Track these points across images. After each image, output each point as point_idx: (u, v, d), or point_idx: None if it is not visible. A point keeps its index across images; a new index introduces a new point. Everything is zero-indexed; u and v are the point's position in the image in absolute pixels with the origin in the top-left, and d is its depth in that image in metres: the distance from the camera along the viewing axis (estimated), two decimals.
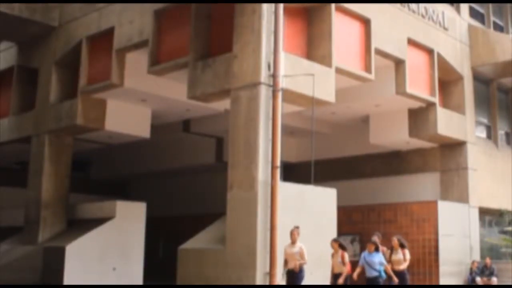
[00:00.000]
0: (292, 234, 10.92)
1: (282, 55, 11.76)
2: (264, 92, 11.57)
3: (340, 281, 11.08)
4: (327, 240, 12.35)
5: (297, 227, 10.99)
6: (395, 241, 12.34)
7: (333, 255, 11.39)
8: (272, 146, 11.44)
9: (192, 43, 12.82)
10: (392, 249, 12.33)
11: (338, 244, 11.37)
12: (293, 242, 10.91)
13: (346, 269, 11.15)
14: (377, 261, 11.31)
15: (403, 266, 12.20)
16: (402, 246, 12.29)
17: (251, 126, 11.57)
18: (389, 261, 12.02)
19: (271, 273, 10.99)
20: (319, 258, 12.04)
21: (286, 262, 10.95)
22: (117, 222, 15.00)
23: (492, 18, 20.09)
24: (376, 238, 12.48)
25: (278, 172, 11.38)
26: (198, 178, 20.86)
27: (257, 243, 11.00)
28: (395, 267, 12.00)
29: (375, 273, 11.27)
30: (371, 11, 14.07)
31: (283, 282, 11.07)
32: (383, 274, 11.32)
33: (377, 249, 11.51)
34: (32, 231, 15.70)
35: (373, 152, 17.84)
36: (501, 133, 19.61)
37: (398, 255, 12.23)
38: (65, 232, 15.67)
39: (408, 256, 12.26)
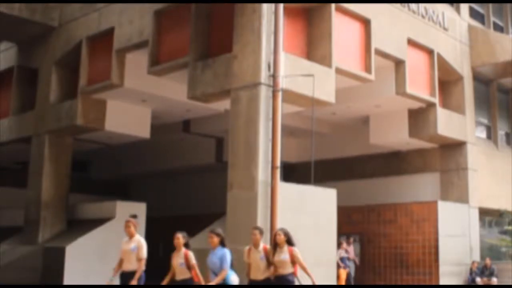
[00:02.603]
0: (126, 226, 8.86)
1: (282, 55, 11.76)
2: (264, 93, 11.57)
3: None
4: (327, 240, 12.38)
5: (133, 216, 9.07)
6: (280, 235, 8.96)
7: (173, 255, 8.75)
8: (272, 146, 11.44)
9: (192, 43, 12.82)
10: (275, 247, 8.97)
11: (185, 241, 8.74)
12: (130, 236, 8.82)
13: (193, 275, 8.59)
14: (218, 260, 8.41)
15: (289, 270, 8.85)
16: (289, 242, 8.99)
17: (251, 126, 11.57)
18: (271, 262, 8.91)
19: None
20: (319, 258, 12.04)
21: (121, 262, 8.83)
22: (117, 222, 14.96)
23: (492, 18, 20.10)
24: (257, 232, 9.12)
25: (278, 172, 11.37)
26: (198, 178, 20.87)
27: None
28: (279, 271, 8.83)
29: (215, 277, 8.49)
30: (371, 11, 14.07)
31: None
32: (231, 279, 8.45)
33: (222, 243, 8.54)
34: (32, 231, 15.70)
35: (373, 152, 17.84)
36: (501, 133, 19.62)
37: (283, 254, 8.85)
38: (65, 232, 15.66)
39: (299, 256, 8.91)
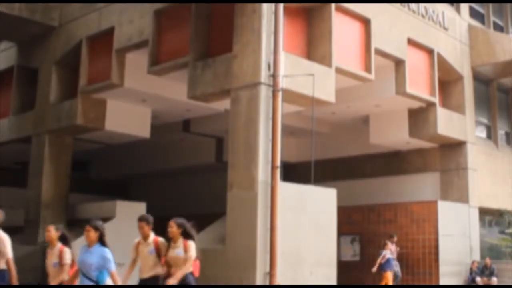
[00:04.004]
0: None
1: (282, 55, 11.76)
2: (264, 92, 11.57)
3: None
4: (327, 240, 12.38)
5: None
6: (172, 227, 7.74)
7: (47, 253, 7.51)
8: (272, 146, 11.44)
9: (192, 43, 12.83)
10: (170, 241, 7.78)
11: (60, 234, 7.46)
12: None
13: (65, 276, 7.27)
14: (95, 262, 6.78)
15: (184, 269, 7.55)
16: (186, 235, 7.72)
17: (251, 126, 11.57)
18: (165, 259, 7.74)
19: (271, 273, 10.99)
20: (319, 258, 12.05)
21: None
22: (117, 222, 14.98)
23: (492, 18, 20.10)
24: (144, 223, 7.85)
25: (278, 172, 11.37)
26: (198, 178, 20.87)
27: (257, 243, 10.99)
28: (173, 270, 7.63)
29: (87, 282, 6.81)
30: (371, 11, 14.08)
31: None
32: (106, 280, 6.83)
33: (102, 240, 6.96)
34: (32, 231, 15.70)
35: (373, 152, 17.84)
36: (501, 133, 19.62)
37: (177, 250, 7.62)
38: None
39: (193, 252, 7.62)
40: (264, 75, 11.59)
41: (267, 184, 11.31)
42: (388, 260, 14.83)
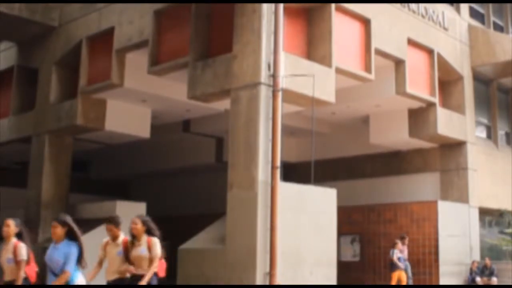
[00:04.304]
0: None
1: (282, 55, 11.76)
2: (264, 92, 11.57)
3: None
4: (327, 240, 12.39)
5: None
6: (136, 224, 7.47)
7: (3, 249, 6.91)
8: (272, 146, 11.44)
9: (192, 43, 12.83)
10: (134, 239, 7.51)
11: (19, 230, 6.91)
12: None
13: (22, 273, 6.78)
14: (62, 259, 6.50)
15: (152, 270, 7.32)
16: (149, 233, 7.49)
17: (251, 126, 11.57)
18: (128, 258, 7.45)
19: (271, 273, 10.99)
20: (319, 258, 12.06)
21: None
22: None
23: (492, 18, 20.10)
24: (112, 226, 7.59)
25: (278, 172, 11.37)
26: (198, 178, 20.87)
27: (257, 243, 11.00)
28: (137, 270, 7.34)
29: (55, 279, 6.53)
30: (371, 11, 14.08)
31: None
32: (76, 281, 6.59)
33: (70, 234, 6.65)
34: (32, 231, 15.66)
35: (373, 152, 17.84)
36: (501, 133, 19.62)
37: (140, 249, 7.35)
38: None
39: (157, 250, 7.38)
40: (264, 75, 11.59)
41: (267, 184, 11.31)
42: (398, 259, 14.80)
